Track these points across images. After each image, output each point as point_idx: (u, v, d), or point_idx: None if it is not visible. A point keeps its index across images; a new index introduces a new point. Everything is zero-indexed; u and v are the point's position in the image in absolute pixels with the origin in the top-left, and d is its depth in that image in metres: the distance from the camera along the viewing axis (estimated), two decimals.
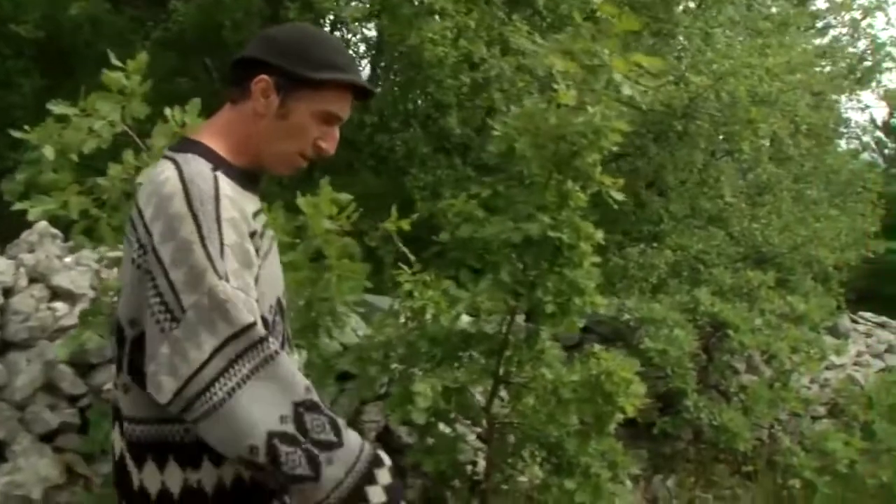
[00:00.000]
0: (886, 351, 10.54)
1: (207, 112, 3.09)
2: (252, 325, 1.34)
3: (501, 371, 4.86)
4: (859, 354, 10.01)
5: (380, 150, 8.12)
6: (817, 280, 9.26)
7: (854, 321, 11.25)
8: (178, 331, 1.31)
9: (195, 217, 1.34)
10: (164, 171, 1.43)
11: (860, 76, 22.71)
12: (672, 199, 9.62)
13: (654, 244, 7.82)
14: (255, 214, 1.51)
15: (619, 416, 4.49)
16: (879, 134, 25.82)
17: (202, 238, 1.33)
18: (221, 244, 1.35)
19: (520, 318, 4.99)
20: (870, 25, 20.06)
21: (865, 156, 25.52)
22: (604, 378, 4.18)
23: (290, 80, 1.49)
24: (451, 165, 7.97)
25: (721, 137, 7.27)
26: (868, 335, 10.56)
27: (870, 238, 10.48)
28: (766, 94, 7.07)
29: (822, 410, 8.56)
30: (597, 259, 4.66)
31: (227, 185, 1.43)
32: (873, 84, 21.91)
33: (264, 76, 1.50)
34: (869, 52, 17.76)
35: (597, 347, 7.35)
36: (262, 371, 1.31)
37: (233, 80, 1.56)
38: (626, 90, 3.75)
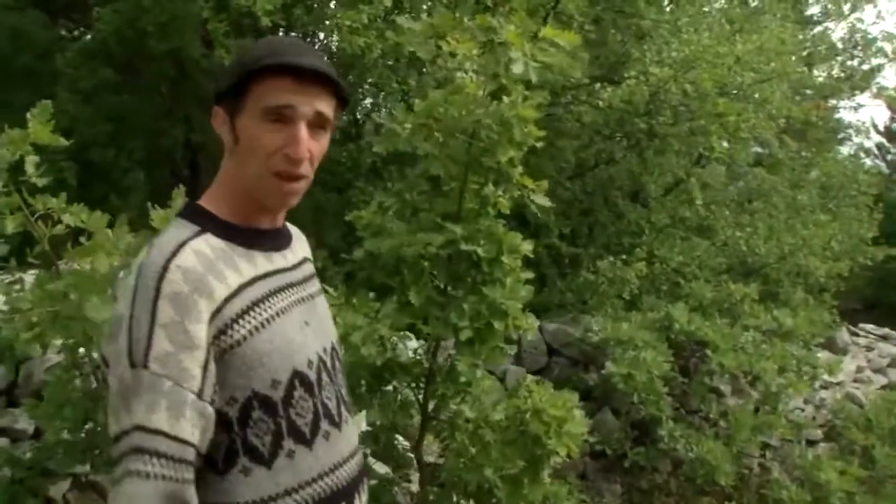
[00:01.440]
0: (889, 365, 9.80)
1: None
2: (138, 430, 1.20)
3: (431, 406, 4.18)
4: (859, 370, 9.28)
5: (326, 163, 7.46)
6: (812, 292, 8.53)
7: (854, 334, 10.52)
8: (109, 399, 1.26)
9: (134, 293, 1.24)
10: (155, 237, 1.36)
11: (859, 78, 22.40)
12: (653, 209, 8.97)
13: (624, 257, 7.12)
14: (264, 276, 1.38)
15: (557, 459, 3.80)
16: (881, 139, 25.23)
17: (131, 317, 1.23)
18: (151, 326, 1.22)
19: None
20: (859, 19, 19.44)
21: (867, 161, 25.08)
22: (530, 417, 3.49)
23: (225, 101, 1.37)
24: (402, 176, 7.36)
25: (693, 137, 6.59)
26: (869, 349, 9.82)
27: (867, 244, 9.75)
28: (737, 85, 6.42)
29: (819, 434, 7.82)
30: (528, 275, 3.99)
31: (194, 254, 1.28)
32: (873, 87, 21.72)
33: (217, 108, 1.40)
34: (860, 47, 17.14)
35: (556, 372, 6.78)
36: (123, 484, 1.20)
37: None
38: (518, 68, 3.09)
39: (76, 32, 7.53)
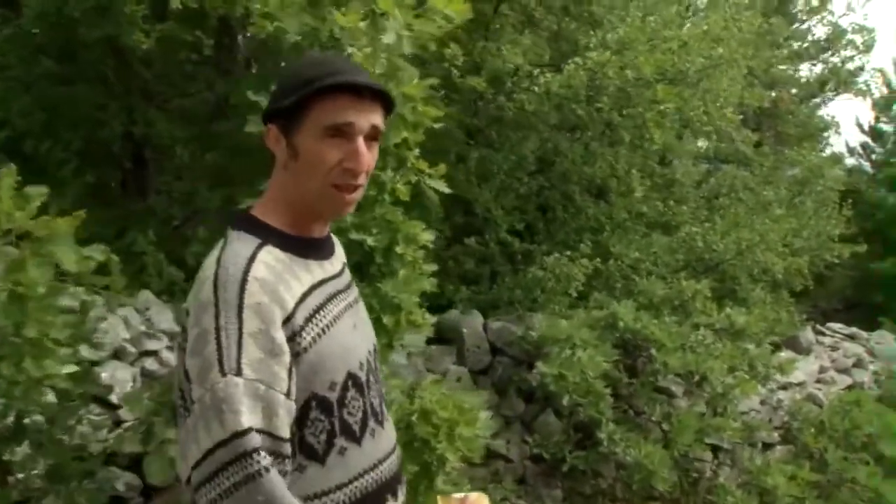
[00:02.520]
0: (855, 366, 9.56)
1: None
2: (243, 434, 1.25)
3: None
4: (823, 370, 9.04)
5: None
6: (775, 289, 8.25)
7: (821, 333, 10.29)
8: (189, 420, 1.28)
9: (216, 305, 1.29)
10: (213, 253, 1.40)
11: (843, 76, 22.21)
12: (615, 204, 8.70)
13: (568, 253, 6.84)
14: (320, 283, 1.46)
15: (455, 464, 3.54)
16: (866, 138, 25.05)
17: (218, 329, 1.28)
18: (240, 335, 1.27)
19: None
20: (829, 11, 19.25)
21: (851, 161, 24.88)
22: (416, 419, 3.23)
23: (283, 118, 1.44)
24: None
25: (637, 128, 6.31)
26: (834, 348, 9.59)
27: (833, 241, 9.50)
28: (681, 71, 6.12)
29: (776, 436, 7.58)
30: (431, 267, 3.73)
31: (264, 265, 1.35)
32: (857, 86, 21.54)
33: (270, 126, 1.47)
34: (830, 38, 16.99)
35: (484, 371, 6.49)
36: (243, 489, 1.23)
37: None
38: (390, 38, 2.83)
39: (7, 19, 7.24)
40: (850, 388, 9.31)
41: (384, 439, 1.54)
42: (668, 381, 6.71)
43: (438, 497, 1.80)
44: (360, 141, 1.42)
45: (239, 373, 1.27)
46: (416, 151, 3.50)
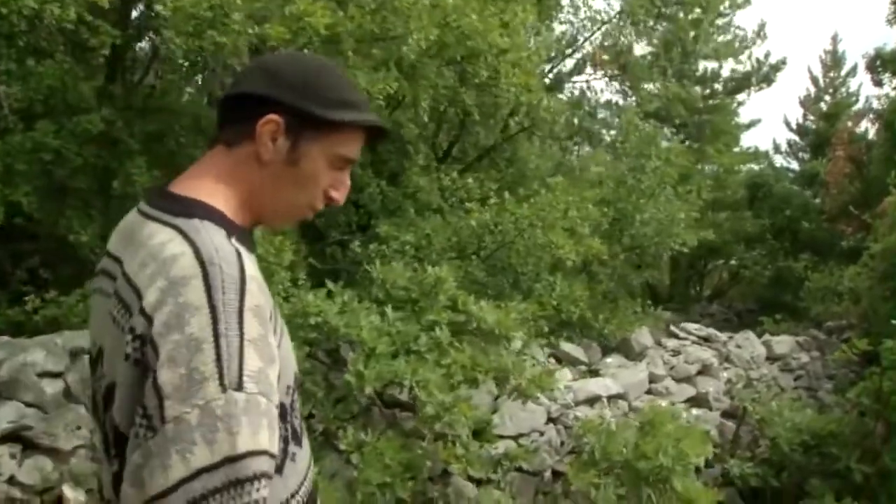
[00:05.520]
0: (700, 373, 8.05)
1: None
2: (240, 458, 1.05)
3: None
4: (654, 379, 7.51)
5: None
6: (573, 276, 6.70)
7: (674, 335, 8.80)
8: (153, 442, 1.06)
9: (213, 309, 1.10)
10: (170, 245, 1.17)
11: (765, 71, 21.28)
12: (400, 185, 7.19)
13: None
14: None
15: None
16: (793, 136, 24.15)
17: (217, 336, 1.08)
18: (241, 341, 1.09)
19: None
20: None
21: (779, 158, 23.96)
22: None
23: (303, 121, 1.27)
24: None
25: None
26: (676, 353, 8.07)
27: (678, 226, 8.02)
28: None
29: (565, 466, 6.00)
30: None
31: (250, 261, 1.20)
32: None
33: (273, 116, 1.26)
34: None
35: None
36: None
37: (227, 118, 1.32)
38: None
39: None
40: (691, 399, 7.82)
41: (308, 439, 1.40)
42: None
43: None
44: (348, 174, 1.35)
45: (240, 387, 1.06)
46: None
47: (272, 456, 1.10)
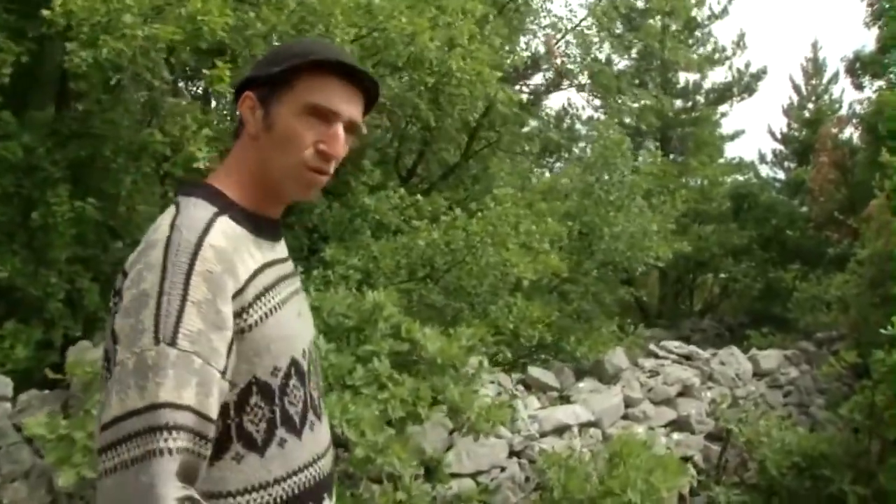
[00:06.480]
0: (680, 395, 7.56)
1: None
2: (159, 406, 1.14)
3: None
4: (629, 403, 7.02)
5: None
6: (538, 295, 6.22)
7: (653, 354, 8.31)
8: (109, 382, 1.18)
9: (164, 269, 1.20)
10: (164, 217, 1.29)
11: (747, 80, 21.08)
12: (347, 204, 6.74)
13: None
14: (270, 264, 1.37)
15: None
16: (779, 145, 23.85)
17: (160, 293, 1.18)
18: (183, 301, 1.18)
19: None
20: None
21: (764, 168, 23.66)
22: None
23: (265, 86, 1.36)
24: None
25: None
26: (654, 374, 7.57)
27: (651, 238, 7.56)
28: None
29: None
30: None
31: (222, 234, 1.26)
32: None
33: (248, 93, 1.38)
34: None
35: None
36: (137, 466, 1.12)
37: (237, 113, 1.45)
38: None
39: None
40: (671, 423, 7.32)
41: (322, 433, 1.43)
42: None
43: None
44: (340, 126, 1.35)
45: (174, 343, 1.16)
46: None
47: (199, 414, 1.15)
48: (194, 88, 7.18)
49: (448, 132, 8.67)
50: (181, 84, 5.22)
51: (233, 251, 1.26)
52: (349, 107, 1.36)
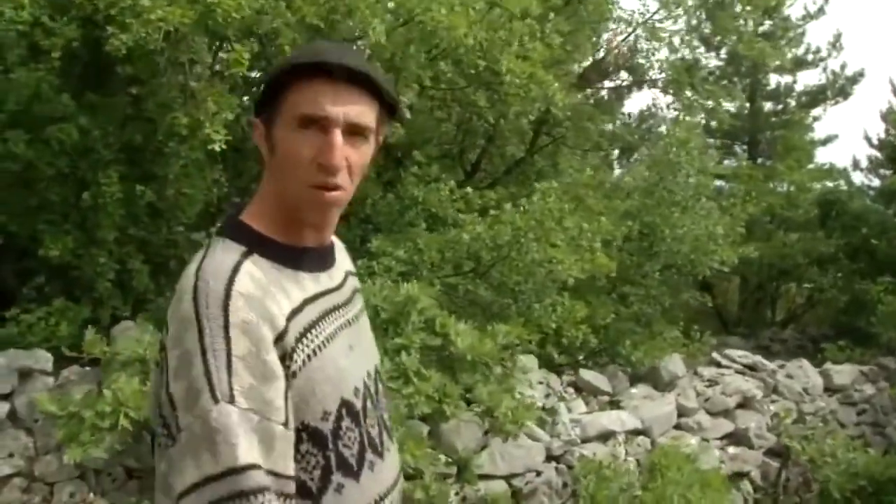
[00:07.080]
0: (740, 406, 7.19)
1: None
2: (241, 470, 1.10)
3: None
4: (684, 413, 6.70)
5: None
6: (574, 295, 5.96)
7: (716, 363, 7.95)
8: (174, 450, 1.12)
9: (199, 323, 1.14)
10: (192, 262, 1.24)
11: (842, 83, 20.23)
12: (399, 195, 6.68)
13: None
14: (312, 299, 1.29)
15: None
16: (875, 152, 22.72)
17: (204, 351, 1.12)
18: (229, 357, 1.12)
19: None
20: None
21: (858, 175, 22.59)
22: None
23: (265, 109, 1.30)
24: None
25: None
26: (713, 383, 7.22)
27: (716, 243, 7.22)
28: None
29: None
30: None
31: (249, 278, 1.20)
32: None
33: (256, 121, 1.33)
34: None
35: None
36: None
37: None
38: None
39: None
40: (728, 436, 6.96)
41: (385, 471, 1.35)
42: None
43: None
44: (337, 133, 1.23)
45: (232, 400, 1.10)
46: None
47: (273, 474, 1.11)
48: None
49: (511, 128, 8.50)
50: (217, 68, 5.22)
51: (263, 296, 1.19)
52: (343, 108, 1.24)
